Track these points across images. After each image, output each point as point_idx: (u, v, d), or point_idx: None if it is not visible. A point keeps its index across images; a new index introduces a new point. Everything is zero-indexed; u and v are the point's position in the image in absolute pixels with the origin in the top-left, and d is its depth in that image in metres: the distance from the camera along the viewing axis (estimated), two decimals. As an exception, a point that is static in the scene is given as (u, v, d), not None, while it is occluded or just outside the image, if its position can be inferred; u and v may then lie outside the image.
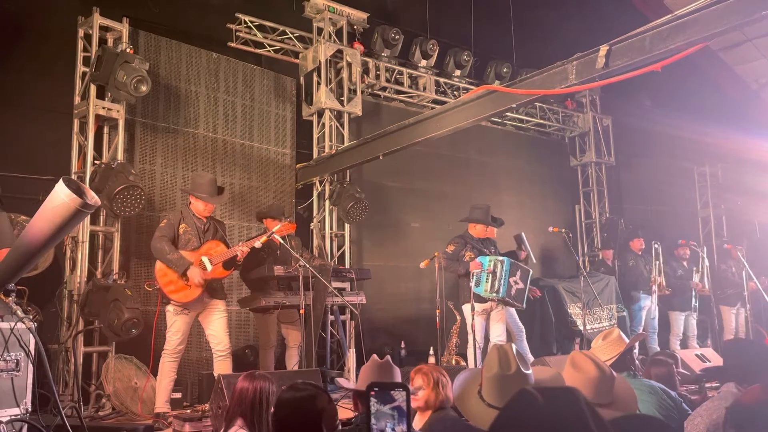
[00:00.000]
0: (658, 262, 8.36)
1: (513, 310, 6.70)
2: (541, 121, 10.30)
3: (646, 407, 3.52)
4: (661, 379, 4.08)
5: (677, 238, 9.05)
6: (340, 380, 3.84)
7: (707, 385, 5.14)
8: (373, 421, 1.50)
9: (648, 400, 3.60)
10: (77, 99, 6.17)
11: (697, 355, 6.52)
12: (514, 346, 2.61)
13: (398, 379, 3.05)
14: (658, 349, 8.38)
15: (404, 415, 1.51)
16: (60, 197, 2.71)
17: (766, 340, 7.72)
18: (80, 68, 6.18)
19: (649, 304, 8.45)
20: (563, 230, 7.43)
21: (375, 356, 3.15)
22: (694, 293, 8.66)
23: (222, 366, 5.22)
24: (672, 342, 8.57)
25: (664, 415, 3.47)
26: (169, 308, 5.17)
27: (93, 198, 2.80)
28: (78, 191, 2.73)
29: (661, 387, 3.66)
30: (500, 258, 6.22)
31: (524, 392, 1.03)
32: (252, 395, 3.09)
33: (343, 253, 7.74)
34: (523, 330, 6.76)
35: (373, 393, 1.53)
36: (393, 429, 1.51)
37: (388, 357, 3.02)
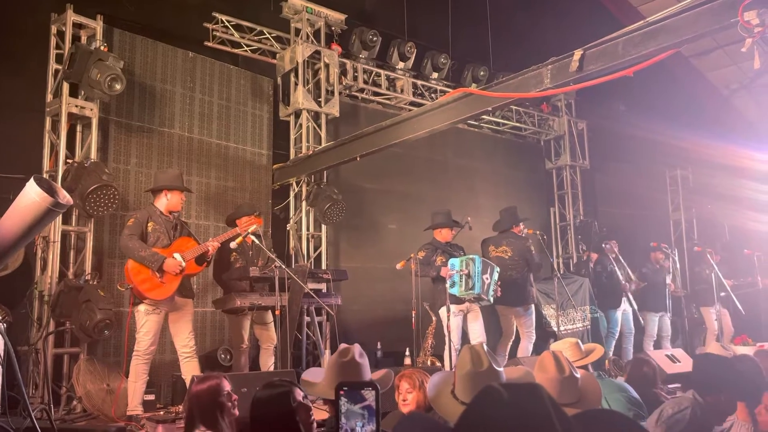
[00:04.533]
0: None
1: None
2: (517, 125, 10.39)
3: (619, 405, 3.68)
4: (647, 378, 4.27)
5: (650, 241, 9.20)
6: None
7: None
8: (342, 420, 1.51)
9: (620, 398, 3.77)
10: (49, 97, 6.08)
11: (667, 356, 6.64)
12: (485, 346, 2.65)
13: (367, 376, 3.02)
14: (632, 350, 8.50)
15: (374, 414, 1.51)
16: (30, 196, 2.67)
17: (736, 340, 7.85)
18: (53, 66, 6.09)
19: (625, 307, 8.54)
20: (538, 232, 7.53)
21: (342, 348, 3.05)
22: (668, 294, 8.79)
23: (189, 367, 5.18)
24: (645, 343, 8.64)
25: (634, 412, 3.65)
26: (140, 308, 5.07)
27: (65, 197, 2.76)
28: (49, 190, 2.69)
29: (626, 386, 3.87)
30: (471, 257, 6.28)
31: (490, 388, 1.05)
32: (207, 396, 2.99)
33: (319, 255, 7.73)
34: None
35: (342, 392, 1.53)
36: (363, 428, 1.52)
37: (353, 355, 2.94)
